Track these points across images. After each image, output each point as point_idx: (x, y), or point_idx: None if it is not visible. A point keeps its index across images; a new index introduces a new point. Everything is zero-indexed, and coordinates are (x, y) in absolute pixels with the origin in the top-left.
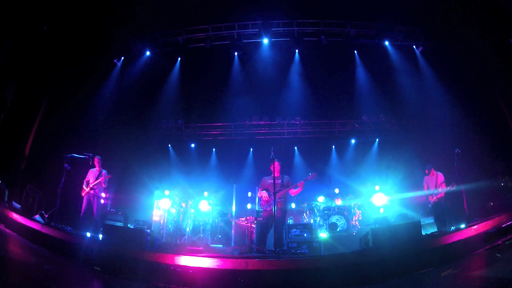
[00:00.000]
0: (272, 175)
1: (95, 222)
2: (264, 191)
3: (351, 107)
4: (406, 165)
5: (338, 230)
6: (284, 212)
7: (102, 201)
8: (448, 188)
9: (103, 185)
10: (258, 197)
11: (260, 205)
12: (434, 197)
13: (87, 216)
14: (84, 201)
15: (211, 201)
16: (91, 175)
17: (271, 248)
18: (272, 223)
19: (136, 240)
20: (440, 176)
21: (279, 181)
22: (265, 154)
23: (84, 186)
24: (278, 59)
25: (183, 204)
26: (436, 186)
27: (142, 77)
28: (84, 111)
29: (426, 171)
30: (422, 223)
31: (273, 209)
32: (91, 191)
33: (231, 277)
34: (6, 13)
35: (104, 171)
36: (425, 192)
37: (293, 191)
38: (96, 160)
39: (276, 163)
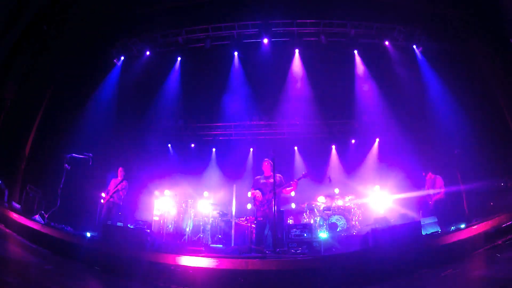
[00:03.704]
0: (264, 175)
1: None
2: (258, 191)
3: (351, 107)
4: (406, 165)
5: (338, 230)
6: (280, 212)
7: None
8: (438, 191)
9: (121, 194)
10: (252, 197)
11: (254, 205)
12: (432, 200)
13: (105, 221)
14: (104, 208)
15: (211, 201)
16: (113, 184)
17: (270, 248)
18: (267, 222)
19: (136, 240)
20: (438, 180)
21: (271, 180)
22: (265, 154)
23: (104, 194)
24: (278, 59)
25: (183, 204)
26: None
27: (142, 77)
28: (84, 111)
29: (424, 175)
30: (422, 223)
31: (273, 210)
32: (111, 199)
33: (231, 277)
34: (6, 13)
35: (125, 181)
36: (425, 192)
37: (286, 190)
38: (120, 170)
39: (265, 163)
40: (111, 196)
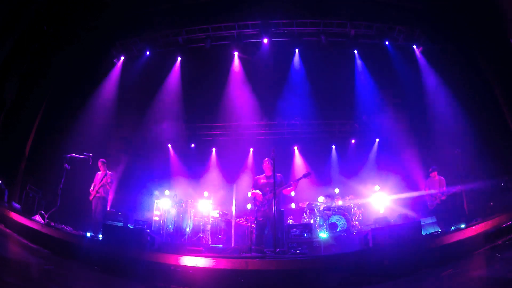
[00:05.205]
0: (265, 174)
1: (98, 223)
2: (258, 191)
3: (351, 107)
4: (406, 165)
5: (338, 230)
6: (280, 212)
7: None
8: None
9: (107, 187)
10: (252, 197)
11: (254, 205)
12: (438, 199)
13: (95, 218)
14: (93, 204)
15: (211, 201)
16: (97, 178)
17: (270, 248)
18: (267, 222)
19: (136, 240)
20: (443, 181)
21: (272, 180)
22: (265, 154)
23: (90, 190)
24: (278, 59)
25: (183, 204)
26: (439, 190)
27: (142, 77)
28: (84, 111)
29: (430, 170)
30: (422, 223)
31: (273, 210)
32: (97, 194)
33: (231, 277)
34: (7, 13)
35: (109, 173)
36: (425, 192)
37: (286, 190)
38: (100, 164)
39: (266, 162)
40: (97, 191)
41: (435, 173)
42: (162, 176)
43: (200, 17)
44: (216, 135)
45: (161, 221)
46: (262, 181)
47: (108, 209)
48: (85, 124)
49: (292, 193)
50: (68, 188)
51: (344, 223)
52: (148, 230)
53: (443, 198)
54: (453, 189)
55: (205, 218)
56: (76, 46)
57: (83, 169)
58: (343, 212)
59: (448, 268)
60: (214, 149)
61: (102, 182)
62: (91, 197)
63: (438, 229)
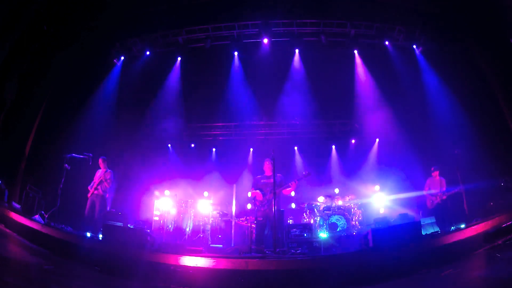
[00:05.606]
0: (265, 174)
1: (95, 222)
2: (258, 191)
3: (351, 107)
4: (406, 165)
5: (338, 230)
6: (280, 212)
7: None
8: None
9: (106, 184)
10: (252, 197)
11: (254, 205)
12: (438, 199)
13: (90, 216)
14: (88, 202)
15: (211, 201)
16: (97, 176)
17: (270, 248)
18: (267, 222)
19: (136, 240)
20: (443, 181)
21: (272, 180)
22: (265, 154)
23: (89, 188)
24: (278, 59)
25: (183, 204)
26: (440, 190)
27: (142, 77)
28: (84, 111)
29: (432, 169)
30: (422, 223)
31: (273, 210)
32: (95, 192)
33: (231, 277)
34: (7, 13)
35: (109, 171)
36: (425, 192)
37: (286, 190)
38: (100, 161)
39: (267, 162)
40: (95, 189)
41: (436, 173)
42: (162, 176)
43: (200, 17)
44: (216, 135)
45: (161, 221)
46: (262, 181)
47: (108, 209)
48: (85, 124)
49: (292, 193)
50: (68, 188)
51: (344, 223)
52: (148, 230)
53: (444, 197)
54: (453, 189)
55: (205, 218)
56: (76, 46)
57: (83, 169)
58: (343, 212)
59: (448, 268)
60: (214, 149)
61: (101, 178)
62: (89, 195)
63: (437, 229)
